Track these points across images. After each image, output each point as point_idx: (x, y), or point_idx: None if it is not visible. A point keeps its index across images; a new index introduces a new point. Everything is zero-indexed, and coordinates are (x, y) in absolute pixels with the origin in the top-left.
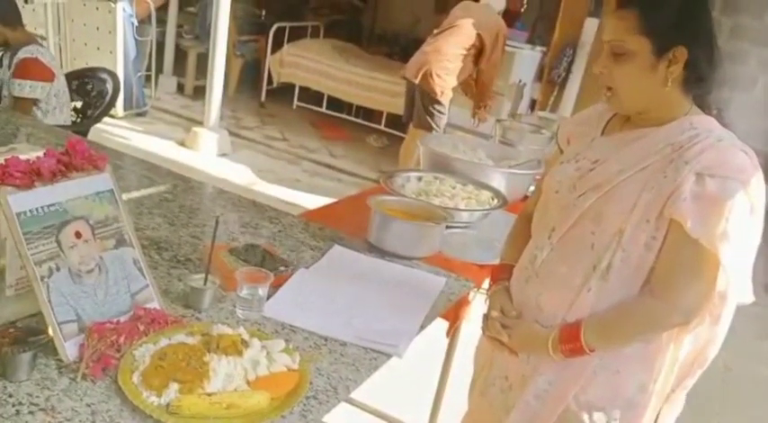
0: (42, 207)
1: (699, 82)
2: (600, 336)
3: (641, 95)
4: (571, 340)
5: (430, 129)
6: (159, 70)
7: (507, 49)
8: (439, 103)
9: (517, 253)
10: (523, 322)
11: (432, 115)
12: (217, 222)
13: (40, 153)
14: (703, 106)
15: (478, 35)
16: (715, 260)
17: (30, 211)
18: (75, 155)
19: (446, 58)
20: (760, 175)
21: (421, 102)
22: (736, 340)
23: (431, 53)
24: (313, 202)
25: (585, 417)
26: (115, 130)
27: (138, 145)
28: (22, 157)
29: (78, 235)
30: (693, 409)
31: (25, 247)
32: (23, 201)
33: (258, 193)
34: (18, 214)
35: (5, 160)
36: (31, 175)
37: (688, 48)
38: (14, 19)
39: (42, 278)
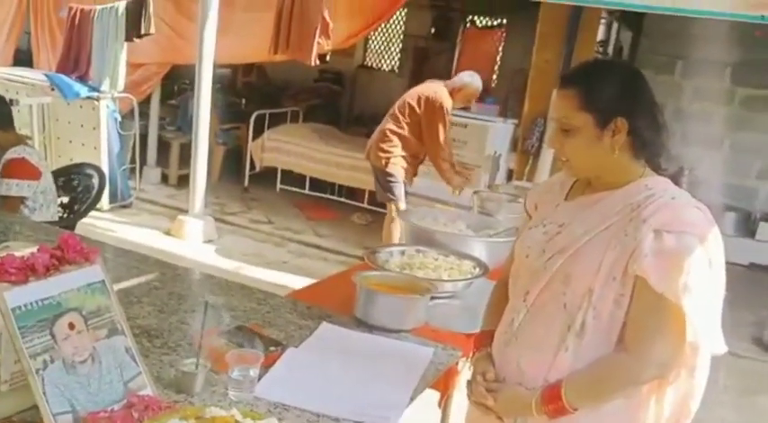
0: (36, 301)
1: (645, 147)
2: (580, 394)
3: (593, 163)
4: (553, 400)
5: (389, 200)
6: (143, 162)
7: (481, 122)
8: (389, 173)
9: (497, 319)
10: (507, 386)
11: (387, 187)
12: (206, 306)
13: (34, 249)
14: (657, 168)
15: (410, 109)
16: (680, 312)
17: (24, 305)
18: (67, 249)
19: (386, 135)
20: (715, 230)
21: (376, 176)
22: (731, 396)
23: (377, 132)
24: (301, 282)
25: None
26: (101, 223)
27: (124, 236)
28: (17, 253)
29: (72, 326)
30: None
31: (20, 341)
32: (18, 296)
33: (246, 276)
34: (13, 309)
35: (0, 258)
36: (26, 271)
37: (628, 118)
38: (6, 122)
39: (37, 371)
